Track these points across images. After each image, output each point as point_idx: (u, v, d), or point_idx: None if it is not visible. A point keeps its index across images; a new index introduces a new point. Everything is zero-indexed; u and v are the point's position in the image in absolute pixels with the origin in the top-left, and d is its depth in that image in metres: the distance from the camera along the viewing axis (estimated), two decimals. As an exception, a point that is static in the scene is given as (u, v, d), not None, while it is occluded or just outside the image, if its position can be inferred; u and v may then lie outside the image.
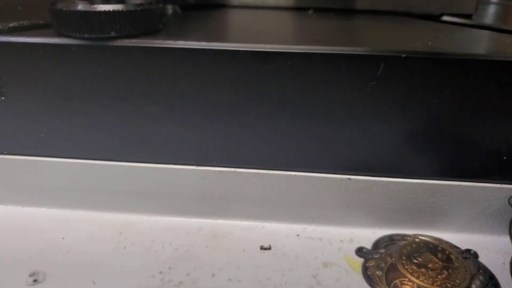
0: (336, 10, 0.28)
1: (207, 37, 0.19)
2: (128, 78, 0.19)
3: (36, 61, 0.19)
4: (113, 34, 0.18)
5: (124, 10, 0.18)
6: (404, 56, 0.18)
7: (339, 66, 0.18)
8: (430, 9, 0.28)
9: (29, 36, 0.19)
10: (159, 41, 0.18)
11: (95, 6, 0.18)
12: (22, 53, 0.19)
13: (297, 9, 0.28)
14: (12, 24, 0.21)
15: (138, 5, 0.19)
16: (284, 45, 0.18)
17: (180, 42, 0.18)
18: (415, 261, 0.18)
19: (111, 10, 0.18)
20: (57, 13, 0.18)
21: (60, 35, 0.19)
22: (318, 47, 0.18)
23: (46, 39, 0.19)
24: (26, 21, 0.21)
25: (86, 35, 0.18)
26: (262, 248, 0.19)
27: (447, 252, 0.19)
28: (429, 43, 0.19)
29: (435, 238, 0.20)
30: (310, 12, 0.28)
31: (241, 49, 0.18)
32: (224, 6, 0.29)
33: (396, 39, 0.20)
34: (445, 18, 0.28)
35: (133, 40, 0.18)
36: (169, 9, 0.26)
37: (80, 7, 0.18)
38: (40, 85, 0.19)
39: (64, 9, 0.18)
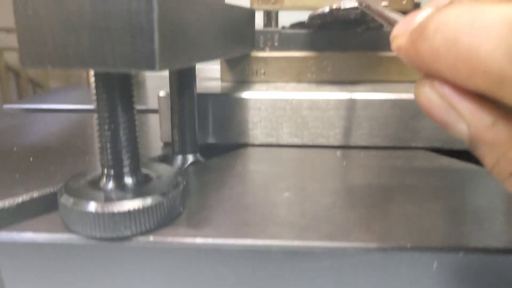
0: (362, 147, 0.27)
1: (234, 222, 0.17)
2: (144, 280, 0.17)
3: (41, 258, 0.17)
4: (128, 233, 0.16)
5: (142, 207, 0.16)
6: (461, 254, 0.16)
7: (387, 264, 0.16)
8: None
9: (34, 231, 0.17)
10: (179, 238, 0.16)
11: (109, 205, 0.16)
12: (25, 249, 0.17)
13: (321, 147, 0.27)
14: (21, 199, 0.19)
15: (159, 194, 0.17)
16: (322, 241, 0.16)
17: (198, 239, 0.16)
18: None
19: (127, 210, 0.16)
20: (65, 210, 0.17)
21: (67, 230, 0.17)
22: (366, 244, 0.16)
23: (52, 236, 0.17)
24: (36, 193, 0.20)
25: (97, 236, 0.16)
26: None
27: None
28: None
29: None
30: (338, 153, 0.26)
31: (272, 248, 0.16)
32: (246, 145, 0.27)
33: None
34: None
35: (151, 238, 0.16)
36: (190, 158, 0.25)
37: (92, 206, 0.16)
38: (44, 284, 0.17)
39: (74, 208, 0.16)
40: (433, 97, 0.14)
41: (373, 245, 0.16)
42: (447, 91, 0.14)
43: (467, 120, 0.14)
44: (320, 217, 0.18)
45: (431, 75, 0.14)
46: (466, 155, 0.25)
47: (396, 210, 0.18)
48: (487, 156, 0.14)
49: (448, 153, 0.26)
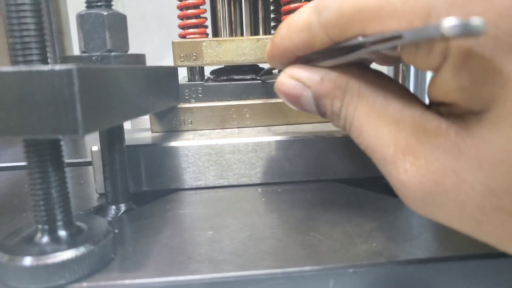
0: (281, 183, 0.30)
1: (160, 263, 0.19)
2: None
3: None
4: (62, 281, 0.18)
5: (74, 257, 0.18)
6: (352, 271, 0.19)
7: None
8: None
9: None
10: (111, 282, 0.18)
11: (43, 257, 0.18)
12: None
13: (245, 186, 0.30)
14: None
15: (90, 243, 0.19)
16: (235, 272, 0.18)
17: (127, 281, 0.18)
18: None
19: (61, 260, 0.18)
20: (1, 267, 0.18)
21: (4, 285, 0.18)
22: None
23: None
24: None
25: (33, 287, 0.18)
26: None
27: None
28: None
29: None
30: (260, 190, 0.29)
31: (193, 282, 0.18)
32: (177, 190, 0.30)
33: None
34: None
35: (84, 285, 0.18)
36: (123, 207, 0.26)
37: (27, 260, 0.18)
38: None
39: (9, 264, 0.18)
40: (286, 80, 0.21)
41: (278, 271, 0.18)
42: (293, 70, 0.20)
43: (307, 83, 0.20)
44: (236, 250, 0.20)
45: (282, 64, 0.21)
46: (367, 183, 0.29)
47: (301, 239, 0.21)
48: (326, 107, 0.20)
49: (353, 182, 0.29)
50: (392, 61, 0.23)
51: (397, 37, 0.14)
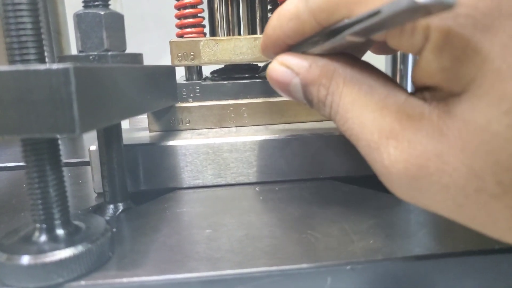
0: (278, 182, 0.30)
1: (158, 261, 0.19)
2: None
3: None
4: (60, 280, 0.18)
5: (72, 255, 0.18)
6: (349, 268, 0.19)
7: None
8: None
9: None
10: (109, 280, 0.18)
11: (41, 256, 0.18)
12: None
13: (242, 184, 0.30)
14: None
15: (88, 242, 0.19)
16: (233, 270, 0.18)
17: (125, 279, 0.18)
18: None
19: (59, 259, 0.18)
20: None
21: (2, 284, 0.18)
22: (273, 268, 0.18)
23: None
24: None
25: (32, 286, 0.18)
26: None
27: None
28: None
29: None
30: (257, 189, 0.29)
31: (191, 280, 0.18)
32: (175, 189, 0.30)
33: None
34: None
35: (82, 283, 0.18)
36: (121, 206, 0.27)
37: (25, 259, 0.18)
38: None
39: (7, 263, 0.18)
40: (276, 66, 0.21)
41: (275, 268, 0.19)
42: (283, 57, 0.21)
43: (296, 70, 0.20)
44: (234, 249, 0.20)
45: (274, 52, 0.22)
46: (364, 181, 0.29)
47: (298, 237, 0.21)
48: (313, 94, 0.20)
49: (350, 180, 0.29)
50: (386, 49, 0.24)
51: (376, 13, 0.14)
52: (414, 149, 0.16)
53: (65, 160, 0.39)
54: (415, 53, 0.16)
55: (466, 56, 0.15)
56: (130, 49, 0.26)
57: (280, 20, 0.20)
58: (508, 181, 0.15)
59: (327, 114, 0.20)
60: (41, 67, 0.16)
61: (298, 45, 0.21)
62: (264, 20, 0.37)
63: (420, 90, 0.18)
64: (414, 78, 0.17)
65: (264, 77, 0.33)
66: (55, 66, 0.16)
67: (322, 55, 0.20)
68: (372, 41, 0.22)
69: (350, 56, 0.20)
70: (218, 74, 0.35)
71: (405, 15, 0.14)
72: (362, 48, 0.24)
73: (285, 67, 0.21)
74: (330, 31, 0.18)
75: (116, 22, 0.25)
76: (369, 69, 0.19)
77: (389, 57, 0.64)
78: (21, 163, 0.41)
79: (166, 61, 0.32)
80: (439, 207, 0.17)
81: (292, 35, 0.20)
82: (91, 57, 0.24)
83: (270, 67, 0.22)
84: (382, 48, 0.25)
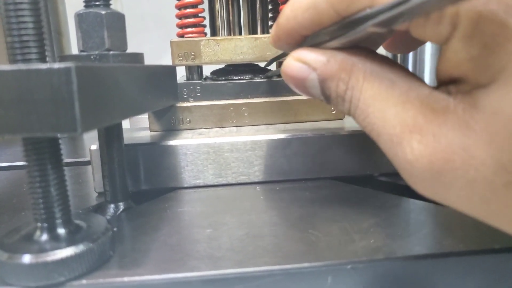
0: (279, 181, 0.30)
1: (159, 260, 0.19)
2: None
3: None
4: (61, 279, 0.18)
5: (73, 254, 0.18)
6: (350, 267, 0.19)
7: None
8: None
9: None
10: (110, 279, 0.18)
11: (42, 255, 0.18)
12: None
13: (243, 184, 0.30)
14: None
15: (89, 241, 0.19)
16: (234, 268, 0.18)
17: (126, 278, 0.18)
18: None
19: (60, 258, 0.18)
20: (1, 265, 0.18)
21: (3, 283, 0.18)
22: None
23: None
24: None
25: (33, 285, 0.18)
26: None
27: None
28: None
29: None
30: (258, 188, 0.29)
31: (192, 279, 0.18)
32: (176, 188, 0.30)
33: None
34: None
35: (83, 282, 0.18)
36: (122, 205, 0.27)
37: (26, 258, 0.18)
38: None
39: (8, 262, 0.18)
40: (292, 62, 0.20)
41: (277, 267, 0.19)
42: (299, 52, 0.20)
43: (313, 65, 0.20)
44: (235, 248, 0.20)
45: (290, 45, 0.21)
46: (365, 181, 0.29)
47: (299, 236, 0.21)
48: (331, 90, 0.20)
49: (351, 179, 0.29)
50: (400, 45, 0.23)
51: (404, 1, 0.14)
52: (439, 143, 0.16)
53: (66, 160, 0.39)
54: (441, 43, 0.16)
55: (497, 43, 0.14)
56: (131, 49, 0.26)
57: (295, 10, 0.20)
58: None
59: (346, 110, 0.19)
60: (43, 66, 0.16)
61: (313, 36, 0.20)
62: (265, 20, 0.37)
63: (445, 84, 0.17)
64: (439, 70, 0.17)
65: (271, 76, 0.33)
66: (56, 65, 0.16)
67: (340, 49, 0.19)
68: (390, 33, 0.22)
69: (368, 50, 0.19)
70: (218, 75, 0.35)
71: (434, 2, 0.13)
72: (377, 41, 0.23)
73: (301, 63, 0.20)
74: (349, 22, 0.17)
75: (117, 22, 0.25)
76: (389, 63, 0.19)
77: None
78: (21, 163, 0.41)
79: (167, 61, 0.32)
80: (464, 203, 0.16)
81: (308, 26, 0.19)
82: (92, 57, 0.24)
83: (285, 63, 0.21)
84: (397, 44, 0.24)
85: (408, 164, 0.17)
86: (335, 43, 0.19)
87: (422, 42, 0.23)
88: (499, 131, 0.14)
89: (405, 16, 0.15)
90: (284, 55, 0.29)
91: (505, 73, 0.14)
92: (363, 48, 0.19)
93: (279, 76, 0.33)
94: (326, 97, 0.20)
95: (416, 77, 0.18)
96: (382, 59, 0.19)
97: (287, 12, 0.20)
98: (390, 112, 0.17)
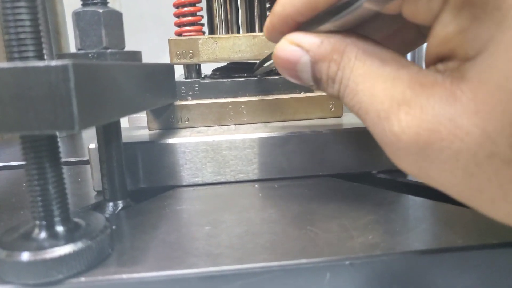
0: (278, 179, 0.30)
1: (157, 258, 0.19)
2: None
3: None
4: (60, 276, 0.18)
5: (72, 252, 0.18)
6: (348, 263, 0.19)
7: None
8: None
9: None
10: (108, 276, 0.18)
11: (41, 253, 0.18)
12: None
13: (242, 182, 0.30)
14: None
15: (88, 239, 0.19)
16: (233, 265, 0.19)
17: (125, 275, 0.18)
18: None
19: (58, 255, 0.18)
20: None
21: (2, 281, 0.18)
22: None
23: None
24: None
25: (31, 283, 0.18)
26: None
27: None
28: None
29: None
30: (257, 186, 0.29)
31: (190, 276, 0.18)
32: (174, 186, 0.30)
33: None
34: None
35: (82, 279, 0.18)
36: (121, 204, 0.27)
37: (25, 256, 0.18)
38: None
39: (7, 259, 0.18)
40: (285, 45, 0.21)
41: (275, 264, 0.19)
42: (292, 35, 0.20)
43: (306, 47, 0.20)
44: (233, 245, 0.20)
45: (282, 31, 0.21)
46: (363, 178, 0.29)
47: (298, 233, 0.21)
48: (323, 71, 0.20)
49: (350, 177, 0.29)
50: (396, 45, 0.24)
51: None
52: (426, 114, 0.16)
53: (65, 159, 0.39)
54: (430, 20, 0.16)
55: (486, 13, 0.14)
56: (129, 48, 0.26)
57: None
58: None
59: (335, 92, 0.20)
60: (40, 63, 0.16)
61: (308, 23, 0.20)
62: (263, 18, 0.37)
63: (433, 63, 0.17)
64: (428, 49, 0.17)
65: (260, 76, 0.33)
66: (54, 62, 0.16)
67: (334, 32, 0.19)
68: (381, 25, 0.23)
69: (360, 34, 0.20)
70: (221, 72, 0.35)
71: None
72: (371, 32, 0.23)
73: (294, 45, 0.20)
74: (345, 3, 0.18)
75: (115, 20, 0.25)
76: (380, 46, 0.19)
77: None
78: (21, 162, 0.41)
79: (165, 60, 0.32)
80: (447, 179, 0.16)
81: (304, 11, 0.20)
82: (90, 55, 0.24)
83: (278, 46, 0.21)
84: (391, 44, 0.24)
85: (394, 136, 0.17)
86: (329, 25, 0.19)
87: (413, 46, 0.24)
88: (485, 99, 0.14)
89: None
90: (269, 58, 0.29)
91: (493, 42, 0.14)
92: (355, 32, 0.19)
93: (275, 74, 0.33)
94: (316, 80, 0.20)
95: (407, 59, 0.18)
96: (374, 42, 0.19)
97: (283, 0, 0.20)
98: (379, 88, 0.17)
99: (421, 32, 0.23)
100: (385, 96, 0.17)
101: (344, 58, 0.19)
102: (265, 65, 0.29)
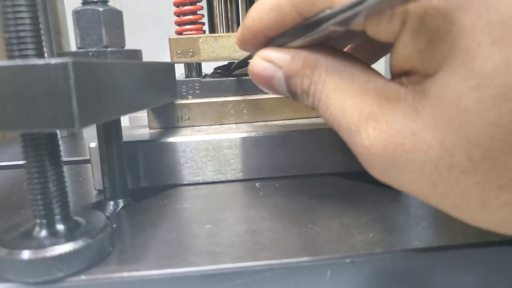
0: (279, 177, 0.30)
1: (158, 256, 0.19)
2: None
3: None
4: (60, 275, 0.18)
5: (72, 250, 0.18)
6: (349, 261, 0.19)
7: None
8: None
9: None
10: (109, 274, 0.18)
11: (41, 251, 0.18)
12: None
13: (243, 180, 0.30)
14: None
15: (88, 237, 0.19)
16: (233, 263, 0.19)
17: (125, 274, 0.18)
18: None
19: (59, 254, 0.18)
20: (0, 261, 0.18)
21: (2, 279, 0.18)
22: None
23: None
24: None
25: (32, 281, 0.18)
26: None
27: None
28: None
29: None
30: (257, 184, 0.29)
31: (190, 274, 0.18)
32: (175, 185, 0.30)
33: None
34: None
35: (82, 277, 0.18)
36: (121, 202, 0.27)
37: (25, 254, 0.18)
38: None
39: (8, 258, 0.18)
40: (258, 62, 0.21)
41: (276, 262, 0.19)
42: (264, 52, 0.21)
43: (278, 63, 0.21)
44: (234, 243, 0.20)
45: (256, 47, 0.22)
46: (364, 176, 0.29)
47: (298, 231, 0.21)
48: (297, 86, 0.20)
49: (350, 175, 0.29)
50: (365, 54, 0.25)
51: (361, 2, 0.15)
52: (391, 128, 0.17)
53: (65, 158, 0.39)
54: (392, 39, 0.17)
55: (439, 37, 0.15)
56: (129, 48, 0.26)
57: (260, 11, 0.20)
58: (478, 157, 0.15)
59: (310, 104, 0.20)
60: (40, 61, 0.16)
61: (277, 37, 0.21)
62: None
63: (398, 76, 0.18)
64: (392, 64, 0.18)
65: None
66: (53, 60, 0.16)
67: (303, 47, 0.20)
68: (353, 37, 0.24)
69: (329, 47, 0.20)
70: (223, 70, 0.35)
71: (386, 2, 0.14)
72: (340, 43, 0.25)
73: (267, 62, 0.21)
74: (311, 22, 0.18)
75: (115, 19, 0.25)
76: (349, 58, 0.20)
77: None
78: (21, 162, 0.41)
79: (166, 59, 0.32)
80: (415, 187, 0.17)
81: (273, 27, 0.20)
82: (90, 54, 0.24)
83: (252, 63, 0.22)
84: (360, 54, 0.26)
85: (365, 149, 0.18)
86: (298, 42, 0.20)
87: (383, 53, 0.26)
88: (442, 115, 0.15)
89: (361, 15, 0.16)
90: (249, 57, 0.29)
91: (447, 62, 0.15)
92: (324, 45, 0.20)
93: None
94: (292, 93, 0.21)
95: (374, 70, 0.19)
96: (343, 55, 0.20)
97: (253, 14, 0.21)
98: (349, 103, 0.18)
99: None
100: (355, 110, 0.18)
101: (315, 73, 0.19)
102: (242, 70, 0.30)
